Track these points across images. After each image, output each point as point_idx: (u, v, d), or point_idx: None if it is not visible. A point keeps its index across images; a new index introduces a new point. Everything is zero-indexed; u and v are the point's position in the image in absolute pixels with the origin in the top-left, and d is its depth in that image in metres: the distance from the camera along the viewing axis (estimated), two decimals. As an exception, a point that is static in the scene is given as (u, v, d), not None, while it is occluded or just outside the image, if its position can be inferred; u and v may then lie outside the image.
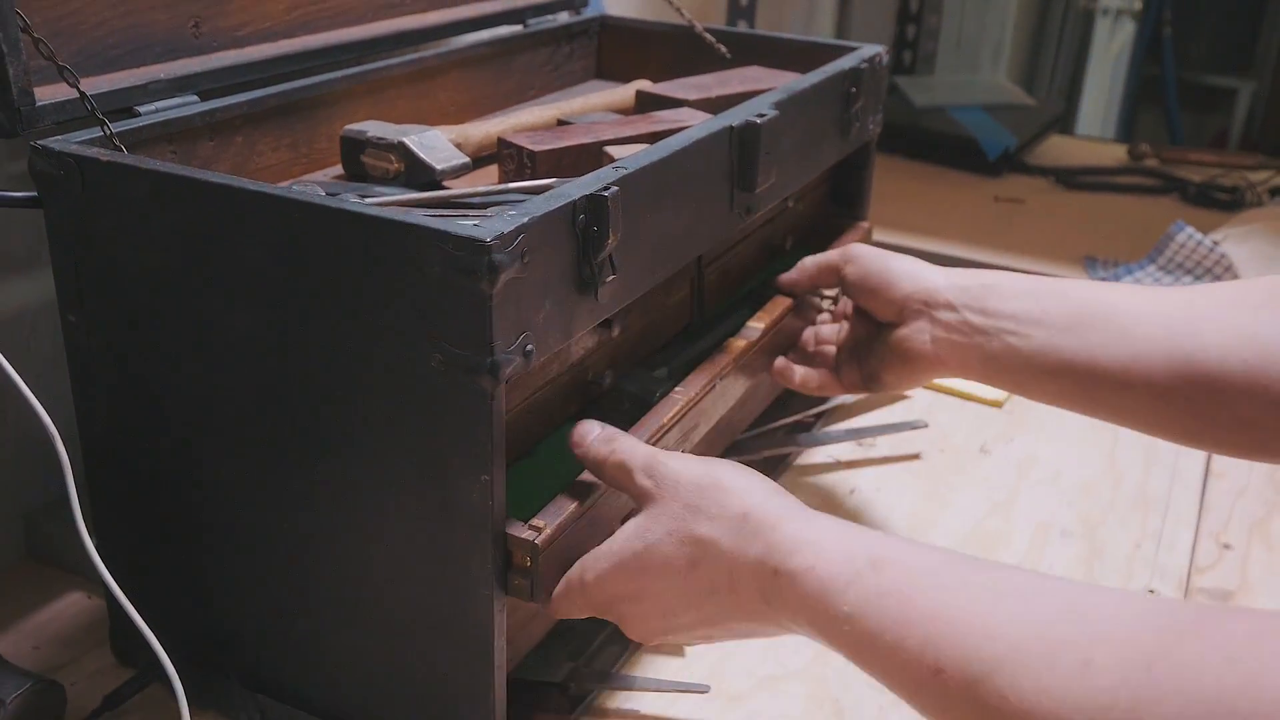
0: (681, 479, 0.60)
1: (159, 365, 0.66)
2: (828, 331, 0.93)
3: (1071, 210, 1.74)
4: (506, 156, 0.82)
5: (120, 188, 0.62)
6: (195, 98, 0.75)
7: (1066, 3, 3.17)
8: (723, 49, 1.10)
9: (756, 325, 0.89)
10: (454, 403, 0.57)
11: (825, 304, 0.99)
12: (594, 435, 0.66)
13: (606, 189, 0.62)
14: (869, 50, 1.03)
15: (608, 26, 1.18)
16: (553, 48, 1.12)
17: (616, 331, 0.75)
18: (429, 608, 0.63)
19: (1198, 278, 1.41)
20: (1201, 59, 3.29)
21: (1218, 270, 1.40)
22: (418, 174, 0.78)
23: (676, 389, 0.78)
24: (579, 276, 0.63)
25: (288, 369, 0.62)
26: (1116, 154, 2.02)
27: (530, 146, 0.80)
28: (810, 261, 0.91)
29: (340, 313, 0.59)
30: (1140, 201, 1.78)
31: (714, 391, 0.81)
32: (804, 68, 0.97)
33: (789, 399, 1.07)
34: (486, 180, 0.85)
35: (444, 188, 0.80)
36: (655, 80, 1.07)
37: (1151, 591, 0.91)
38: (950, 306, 0.78)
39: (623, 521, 0.64)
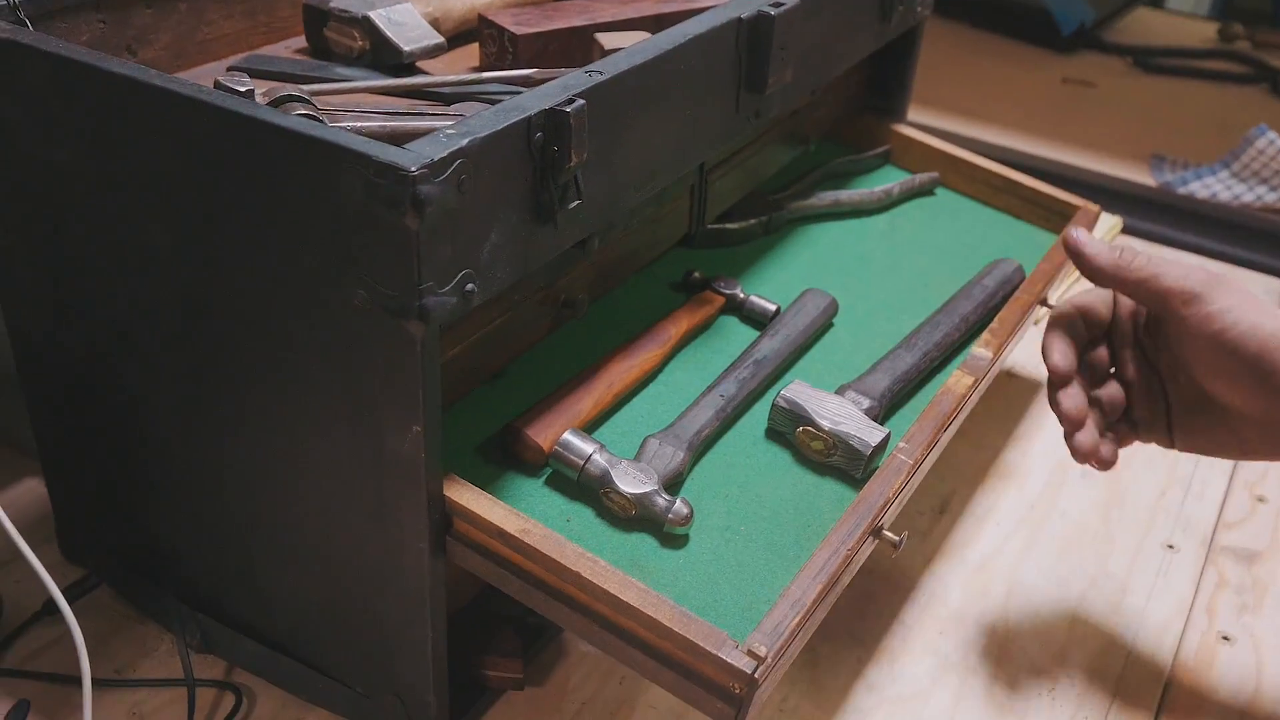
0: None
1: (76, 269, 0.60)
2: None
3: (1146, 97, 1.59)
4: (487, 37, 0.73)
5: (21, 72, 0.55)
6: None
7: None
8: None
9: (984, 353, 0.76)
10: (379, 347, 0.51)
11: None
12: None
13: (570, 102, 0.54)
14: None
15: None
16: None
17: (594, 251, 0.68)
18: (363, 556, 0.58)
19: (1274, 188, 1.29)
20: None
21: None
22: (384, 54, 0.70)
23: (900, 444, 0.66)
24: (536, 202, 0.55)
25: (206, 287, 0.56)
26: (1206, 33, 1.84)
27: (512, 28, 0.71)
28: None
29: (256, 235, 0.52)
30: (1224, 91, 1.63)
31: (938, 445, 0.69)
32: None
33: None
34: (467, 62, 0.76)
35: (416, 70, 0.72)
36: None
37: (1170, 548, 0.85)
38: None
39: None
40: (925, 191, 1.00)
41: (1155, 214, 1.30)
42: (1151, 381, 0.71)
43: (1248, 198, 1.29)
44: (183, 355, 0.59)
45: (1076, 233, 0.70)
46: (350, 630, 0.62)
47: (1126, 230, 1.29)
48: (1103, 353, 0.72)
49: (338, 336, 0.52)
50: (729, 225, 0.87)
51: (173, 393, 0.61)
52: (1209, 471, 0.93)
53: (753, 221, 0.88)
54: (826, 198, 0.94)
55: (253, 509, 0.62)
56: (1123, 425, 0.72)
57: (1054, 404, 0.70)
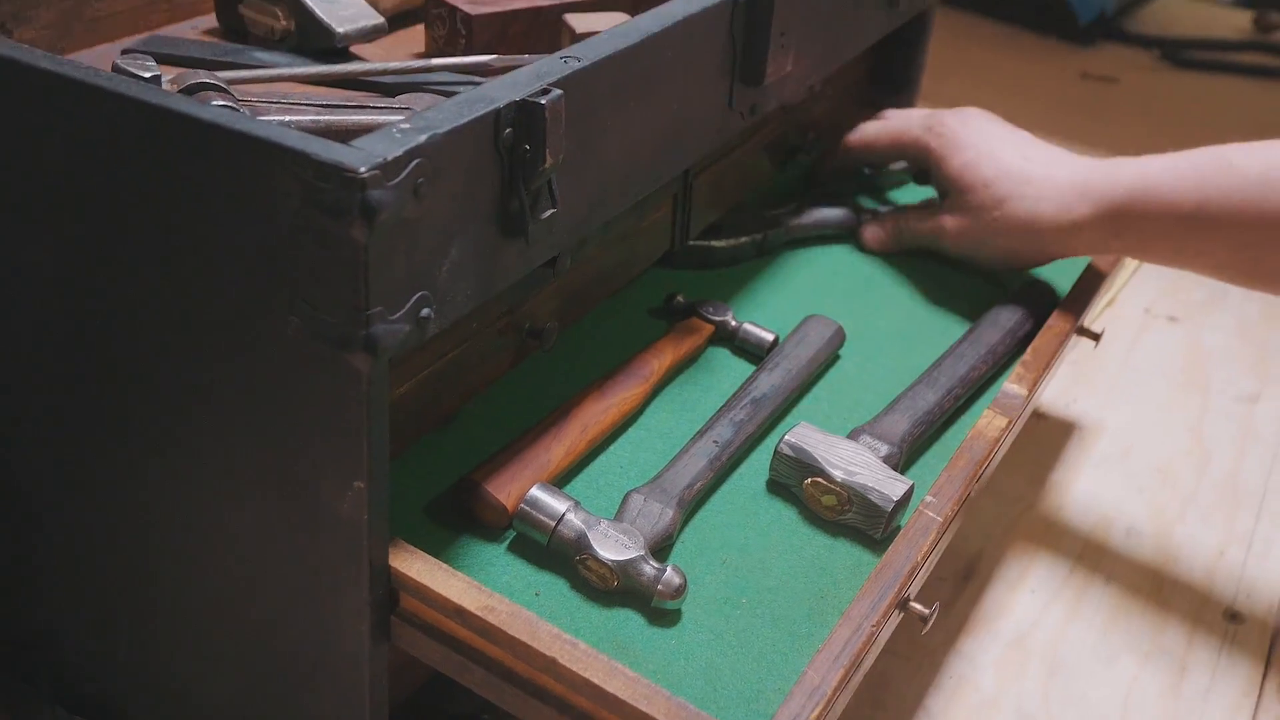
0: None
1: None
2: None
3: (1175, 94, 1.62)
4: (435, 19, 0.71)
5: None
6: (14, -84, 0.64)
7: None
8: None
9: (1018, 390, 0.76)
10: (316, 386, 0.49)
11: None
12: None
13: (544, 92, 0.52)
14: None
15: None
16: None
17: (564, 271, 0.66)
18: (290, 642, 0.56)
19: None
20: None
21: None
22: (313, 36, 0.68)
23: (926, 498, 0.66)
24: (505, 211, 0.53)
25: (100, 317, 0.54)
26: (1240, 23, 1.88)
27: (466, 7, 0.70)
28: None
29: (165, 251, 0.50)
30: (1261, 88, 1.66)
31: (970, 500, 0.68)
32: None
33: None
34: (412, 47, 0.75)
35: (351, 56, 0.70)
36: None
37: (1233, 617, 0.84)
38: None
39: None
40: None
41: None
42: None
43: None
44: (69, 402, 0.57)
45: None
46: (271, 731, 0.59)
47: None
48: None
49: (265, 374, 0.50)
50: (715, 243, 0.86)
51: (56, 448, 0.59)
52: (1272, 528, 0.93)
53: (744, 240, 0.87)
54: (830, 216, 0.93)
55: (157, 588, 0.59)
56: None
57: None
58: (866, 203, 0.97)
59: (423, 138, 0.47)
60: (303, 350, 0.49)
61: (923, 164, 0.91)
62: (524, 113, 0.52)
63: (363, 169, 0.45)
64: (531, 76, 0.54)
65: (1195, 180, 0.79)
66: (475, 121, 0.50)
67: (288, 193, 0.46)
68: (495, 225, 0.53)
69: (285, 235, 0.47)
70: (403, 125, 0.48)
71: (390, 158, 0.46)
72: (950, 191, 0.87)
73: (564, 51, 0.57)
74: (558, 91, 0.53)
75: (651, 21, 0.62)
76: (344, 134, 0.57)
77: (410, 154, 0.47)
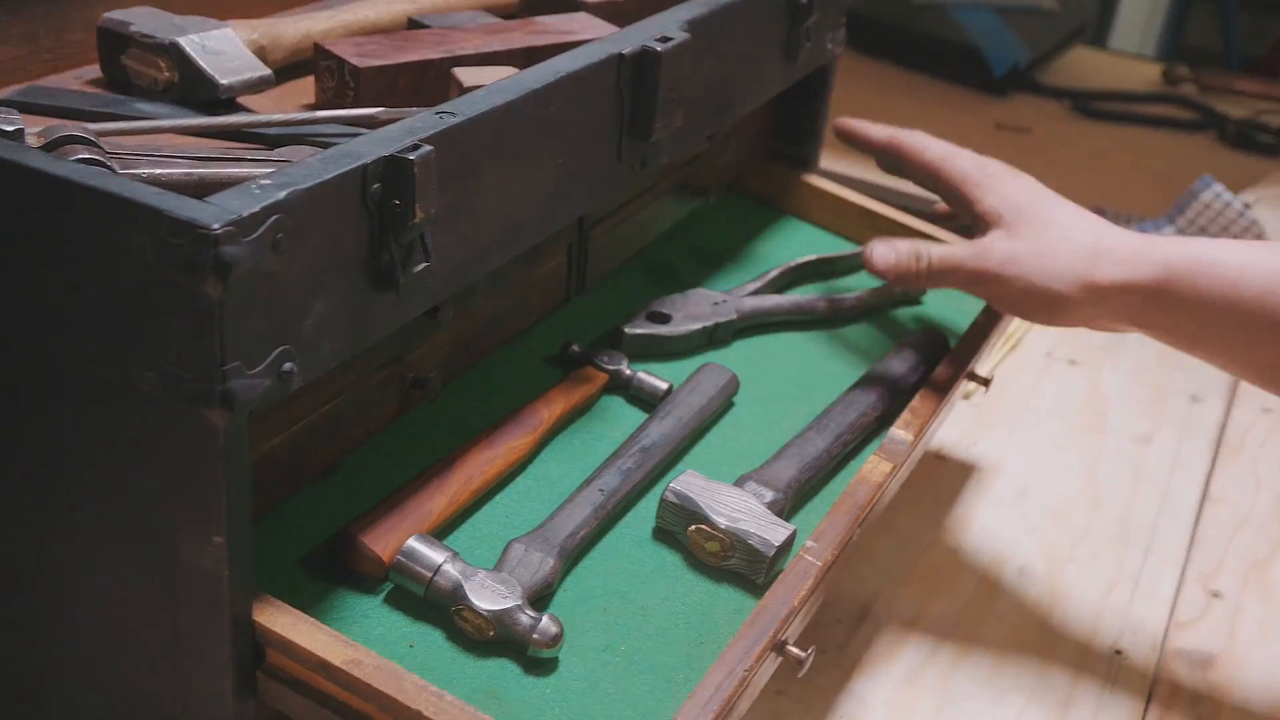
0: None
1: None
2: None
3: (1086, 144, 1.65)
4: (325, 70, 0.72)
5: None
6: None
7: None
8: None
9: (904, 435, 0.77)
10: (173, 441, 0.49)
11: None
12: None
13: (415, 148, 0.53)
14: (830, -57, 0.93)
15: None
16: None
17: (448, 321, 0.67)
18: (149, 702, 0.56)
19: (1225, 245, 1.34)
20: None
21: (1246, 239, 1.33)
22: (197, 88, 0.68)
23: (807, 543, 0.66)
24: (375, 265, 0.54)
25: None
26: (1149, 75, 1.93)
27: (354, 60, 0.70)
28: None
29: (20, 304, 0.50)
30: (1170, 138, 1.70)
31: (852, 543, 0.69)
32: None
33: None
34: (301, 99, 0.75)
35: (237, 108, 0.70)
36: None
37: (1118, 653, 0.86)
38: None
39: None
40: (911, 299, 0.96)
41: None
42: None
43: (1197, 257, 1.34)
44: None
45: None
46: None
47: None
48: None
49: (124, 429, 0.50)
50: (663, 332, 0.83)
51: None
52: (1159, 565, 0.95)
53: (695, 328, 0.84)
54: (786, 302, 0.90)
55: (36, 648, 0.58)
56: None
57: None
58: (818, 289, 0.95)
59: (282, 194, 0.48)
60: (159, 406, 0.48)
61: (955, 194, 0.85)
62: (393, 168, 0.53)
63: (216, 225, 0.45)
64: (403, 131, 0.55)
65: (1270, 268, 0.73)
66: (340, 177, 0.51)
67: (141, 248, 0.46)
68: (365, 279, 0.54)
69: (140, 291, 0.47)
70: (263, 181, 0.48)
71: (246, 214, 0.46)
72: (983, 224, 0.82)
73: (441, 107, 0.58)
74: (428, 148, 0.53)
75: (535, 77, 0.63)
76: (217, 187, 0.56)
77: (268, 210, 0.47)
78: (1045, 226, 0.79)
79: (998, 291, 0.80)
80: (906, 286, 0.85)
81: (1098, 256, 0.77)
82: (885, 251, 0.83)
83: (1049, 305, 0.78)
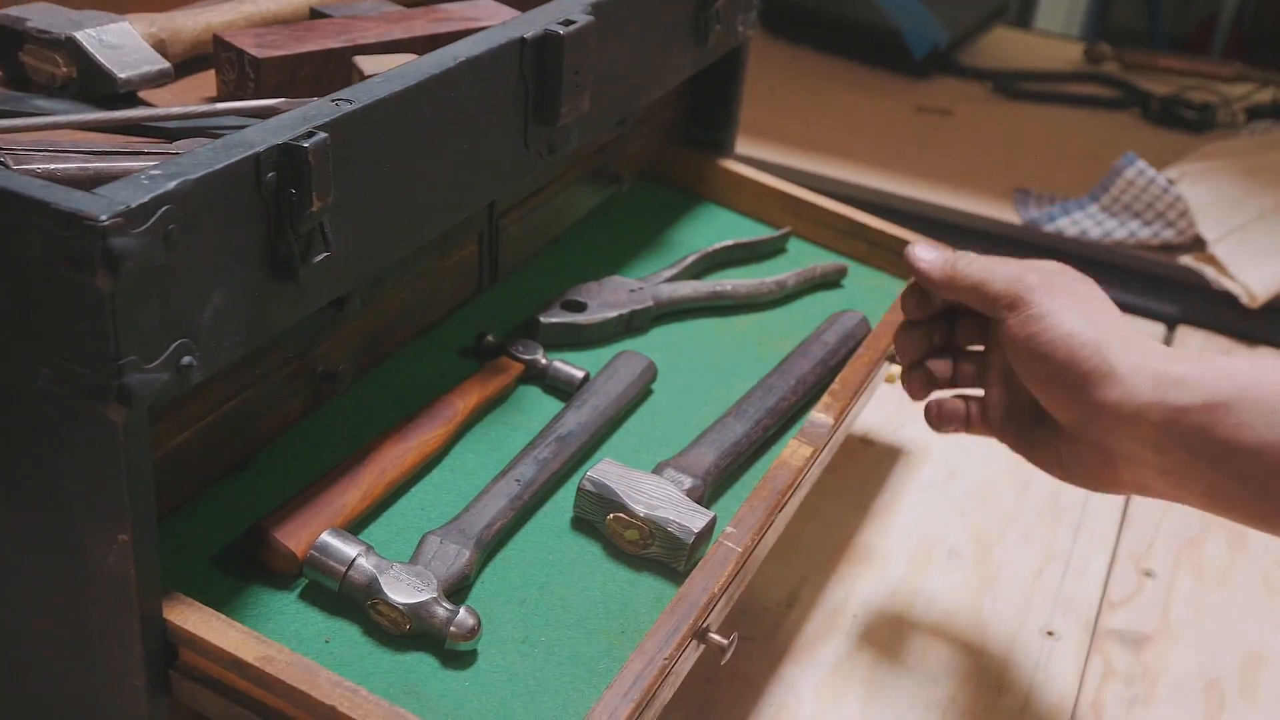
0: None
1: None
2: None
3: (1008, 125, 1.68)
4: (225, 62, 0.71)
5: None
6: None
7: None
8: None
9: (824, 418, 0.77)
10: (72, 438, 0.49)
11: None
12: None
13: (308, 136, 0.53)
14: (739, -71, 0.94)
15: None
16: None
17: (356, 313, 0.67)
18: (62, 702, 0.55)
19: (1147, 223, 1.37)
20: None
21: (1170, 215, 1.36)
22: (95, 83, 0.67)
23: (727, 529, 0.67)
24: (273, 255, 0.54)
25: None
26: (1072, 55, 1.96)
27: (254, 51, 0.70)
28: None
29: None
30: (1093, 117, 1.73)
31: (773, 528, 0.70)
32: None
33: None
34: (201, 92, 0.74)
35: (137, 102, 0.70)
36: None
37: (1050, 635, 0.87)
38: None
39: None
40: (831, 283, 0.98)
41: (1020, 254, 1.36)
42: (991, 383, 0.79)
43: (1120, 234, 1.37)
44: None
45: (914, 247, 0.79)
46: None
47: (991, 274, 1.34)
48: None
49: (20, 426, 0.50)
50: (580, 320, 0.83)
51: None
52: (1089, 545, 0.97)
53: (611, 316, 0.85)
54: (703, 288, 0.91)
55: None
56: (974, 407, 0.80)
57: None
58: (736, 274, 0.96)
59: (172, 184, 0.48)
60: (57, 403, 0.48)
61: (994, 310, 0.73)
62: (287, 156, 0.53)
63: (104, 217, 0.45)
64: (298, 119, 0.55)
65: None
66: (232, 166, 0.50)
67: (30, 243, 0.46)
68: (265, 269, 0.54)
69: (31, 286, 0.46)
70: (152, 171, 0.48)
71: (135, 205, 0.46)
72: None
73: (336, 94, 0.58)
74: (323, 135, 0.53)
75: (433, 62, 0.63)
76: (111, 180, 0.56)
77: (158, 201, 0.47)
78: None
79: (1029, 330, 0.70)
80: (938, 290, 0.77)
81: (1168, 361, 0.66)
82: (926, 250, 0.78)
83: (1082, 370, 0.67)
